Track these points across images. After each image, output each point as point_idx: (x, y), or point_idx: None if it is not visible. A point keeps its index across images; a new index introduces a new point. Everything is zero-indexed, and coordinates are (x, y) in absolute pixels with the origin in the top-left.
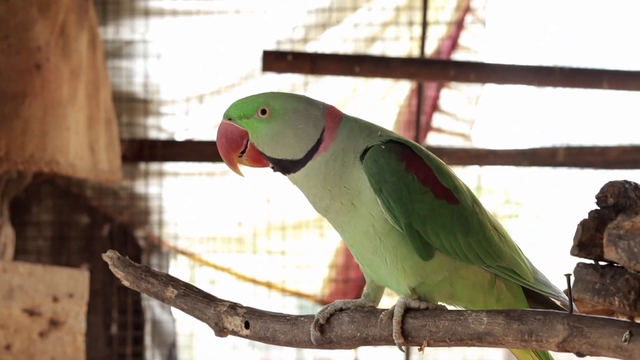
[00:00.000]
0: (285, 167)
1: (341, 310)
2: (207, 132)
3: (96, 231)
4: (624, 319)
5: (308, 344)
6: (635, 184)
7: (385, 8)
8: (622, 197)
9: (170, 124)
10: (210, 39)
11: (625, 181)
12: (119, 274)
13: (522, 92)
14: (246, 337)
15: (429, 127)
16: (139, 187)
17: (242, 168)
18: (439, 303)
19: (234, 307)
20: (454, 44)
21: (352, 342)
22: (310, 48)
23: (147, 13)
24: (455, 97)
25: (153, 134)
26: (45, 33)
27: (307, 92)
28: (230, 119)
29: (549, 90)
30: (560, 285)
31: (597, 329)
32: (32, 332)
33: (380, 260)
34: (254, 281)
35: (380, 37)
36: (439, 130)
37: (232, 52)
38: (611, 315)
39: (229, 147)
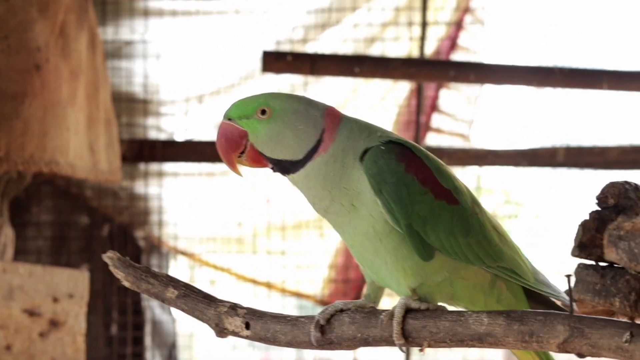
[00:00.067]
0: (284, 167)
1: (342, 311)
2: (207, 132)
3: (96, 231)
4: (625, 319)
5: (308, 345)
6: (636, 185)
7: (385, 8)
8: (623, 198)
9: (169, 124)
10: (209, 39)
11: (626, 182)
12: (119, 274)
13: (521, 93)
14: (246, 337)
15: (427, 128)
16: (139, 187)
17: (242, 168)
18: (440, 304)
19: (234, 307)
20: (453, 45)
21: (352, 343)
22: (310, 48)
23: (146, 13)
24: (454, 97)
25: (153, 134)
26: (44, 33)
27: (306, 92)
28: (230, 119)
29: (548, 91)
30: (561, 285)
31: (597, 330)
32: (32, 333)
33: (381, 261)
34: (254, 281)
35: (380, 37)
36: (437, 130)
37: (232, 53)
38: (612, 316)
39: (229, 147)
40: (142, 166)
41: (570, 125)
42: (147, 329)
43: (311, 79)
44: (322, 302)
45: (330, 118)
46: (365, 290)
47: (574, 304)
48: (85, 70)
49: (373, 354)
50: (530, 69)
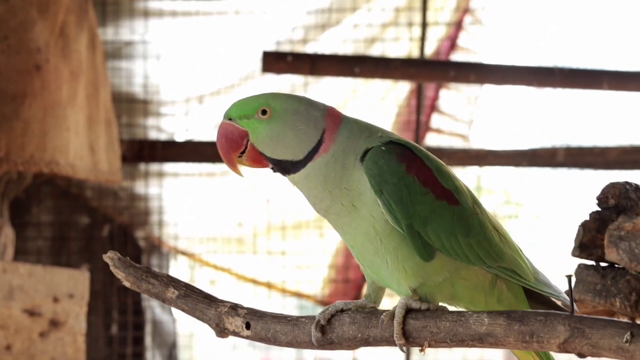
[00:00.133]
0: (285, 167)
1: (342, 311)
2: (207, 132)
3: (96, 232)
4: (625, 320)
5: (309, 345)
6: (636, 185)
7: (385, 9)
8: (623, 199)
9: (170, 125)
10: (209, 39)
11: (626, 182)
12: (119, 274)
13: (521, 93)
14: (247, 337)
15: (427, 128)
16: (139, 187)
17: (242, 168)
18: (440, 304)
19: (234, 307)
20: (452, 45)
21: (353, 343)
22: (310, 49)
23: (146, 14)
24: (453, 97)
25: (153, 135)
26: (45, 34)
27: (306, 93)
28: (230, 119)
29: (548, 91)
30: (561, 285)
31: (598, 330)
32: (32, 333)
33: (381, 261)
34: (254, 281)
35: (380, 38)
36: (437, 130)
37: (232, 53)
38: (612, 316)
39: (229, 147)
40: (142, 166)
41: (570, 126)
42: (148, 329)
43: (311, 79)
44: (322, 302)
45: (331, 118)
46: (365, 290)
47: (575, 304)
48: (86, 71)
49: (373, 354)
50: (530, 69)
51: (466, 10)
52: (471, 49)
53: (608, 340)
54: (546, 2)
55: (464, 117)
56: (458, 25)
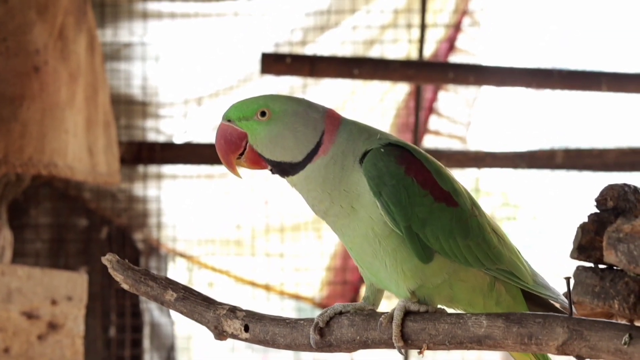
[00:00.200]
0: (284, 169)
1: (341, 313)
2: (206, 134)
3: (94, 234)
4: (624, 322)
5: (308, 347)
6: (635, 187)
7: (384, 11)
8: (622, 201)
9: (168, 127)
10: (208, 41)
11: (625, 184)
12: (118, 277)
13: (520, 95)
14: (246, 340)
15: (425, 130)
16: (138, 189)
17: (241, 170)
18: (439, 306)
19: (233, 310)
20: (451, 47)
21: (351, 346)
22: (309, 50)
23: (145, 15)
24: (451, 99)
25: (151, 137)
26: (43, 36)
27: (305, 94)
28: (229, 121)
29: (546, 93)
30: (559, 287)
31: (596, 332)
32: (30, 335)
33: (380, 263)
34: (253, 284)
35: (379, 39)
36: (435, 132)
37: (231, 55)
38: (610, 318)
39: (228, 148)
40: (140, 168)
41: (569, 127)
42: (146, 331)
43: (310, 81)
44: (321, 305)
45: (330, 120)
46: (364, 292)
47: (573, 306)
48: (84, 73)
49: (371, 356)
50: (529, 71)
51: (465, 12)
52: (470, 50)
53: (606, 342)
54: (545, 4)
55: (461, 119)
56: (457, 27)
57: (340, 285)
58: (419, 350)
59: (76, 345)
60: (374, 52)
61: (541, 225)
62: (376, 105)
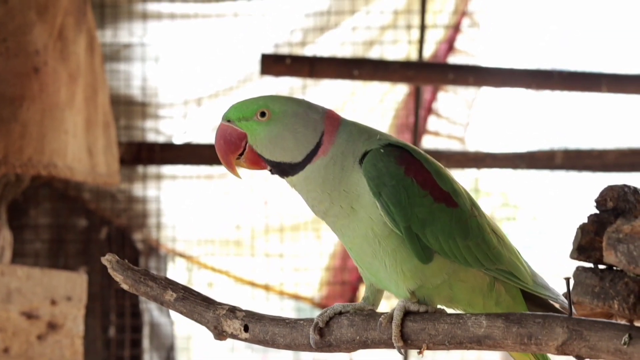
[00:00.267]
0: (283, 170)
1: (340, 313)
2: (205, 135)
3: (94, 234)
4: (623, 322)
5: (307, 348)
6: (635, 188)
7: (384, 11)
8: (622, 201)
9: (168, 127)
10: (208, 42)
11: (625, 185)
12: (118, 277)
13: (520, 95)
14: (245, 340)
15: (423, 130)
16: (137, 190)
17: (240, 170)
18: (439, 306)
19: (233, 310)
20: (450, 48)
21: (351, 346)
22: (308, 51)
23: (145, 16)
24: (450, 100)
25: (151, 137)
26: (43, 36)
27: (305, 95)
28: (229, 121)
29: (546, 93)
30: (559, 288)
31: (596, 332)
32: (30, 335)
33: (380, 263)
34: (252, 284)
35: (379, 40)
36: (434, 133)
37: (230, 55)
38: (610, 318)
39: (228, 149)
40: (140, 169)
41: (569, 128)
42: (145, 331)
43: (310, 82)
44: (320, 305)
45: (330, 121)
46: (363, 292)
47: (573, 307)
48: (84, 73)
49: (370, 356)
50: (529, 72)
51: (464, 13)
52: (469, 51)
53: (606, 343)
54: (545, 4)
55: (460, 119)
56: (456, 28)
57: (339, 285)
58: (418, 351)
59: (76, 345)
60: (374, 53)
61: (541, 225)
62: (376, 106)
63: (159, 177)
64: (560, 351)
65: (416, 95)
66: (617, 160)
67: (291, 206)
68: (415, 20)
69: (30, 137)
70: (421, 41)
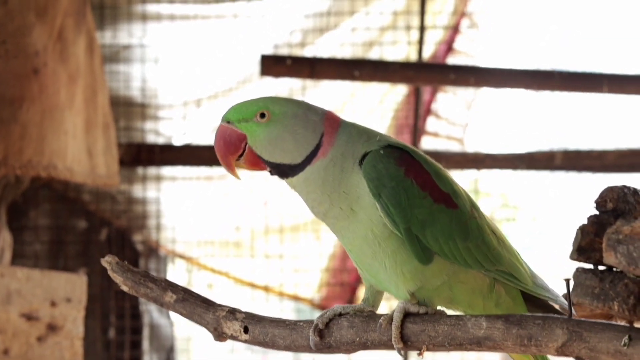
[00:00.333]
0: (283, 171)
1: (340, 315)
2: (205, 136)
3: (94, 235)
4: (623, 323)
5: (307, 349)
6: (634, 189)
7: (383, 12)
8: (621, 202)
9: (167, 128)
10: (207, 43)
11: (624, 186)
12: (117, 278)
13: (520, 96)
14: (245, 342)
15: (423, 131)
16: (137, 191)
17: (240, 171)
18: (438, 307)
19: (233, 312)
20: (449, 48)
21: (351, 347)
22: (308, 52)
23: (144, 17)
24: (450, 100)
25: (151, 138)
26: (42, 38)
27: (305, 96)
28: (228, 122)
29: (546, 94)
30: (559, 289)
31: (596, 334)
32: (30, 337)
33: (380, 264)
34: (252, 285)
35: (378, 41)
36: (433, 134)
37: (230, 56)
38: (610, 319)
39: (227, 150)
40: (140, 170)
41: (568, 129)
42: (145, 332)
43: (309, 83)
44: (319, 306)
45: (330, 122)
46: (363, 294)
47: (573, 308)
48: (83, 75)
49: (370, 357)
50: (529, 73)
51: (464, 14)
52: (468, 52)
53: (606, 344)
54: (545, 5)
55: (459, 120)
56: (455, 29)
57: (338, 286)
58: (418, 352)
59: (75, 346)
60: (373, 54)
61: (540, 226)
62: (375, 107)
63: (158, 178)
64: (560, 352)
65: (416, 96)
66: (617, 160)
67: (291, 207)
68: (415, 21)
69: (30, 138)
70: (420, 42)
